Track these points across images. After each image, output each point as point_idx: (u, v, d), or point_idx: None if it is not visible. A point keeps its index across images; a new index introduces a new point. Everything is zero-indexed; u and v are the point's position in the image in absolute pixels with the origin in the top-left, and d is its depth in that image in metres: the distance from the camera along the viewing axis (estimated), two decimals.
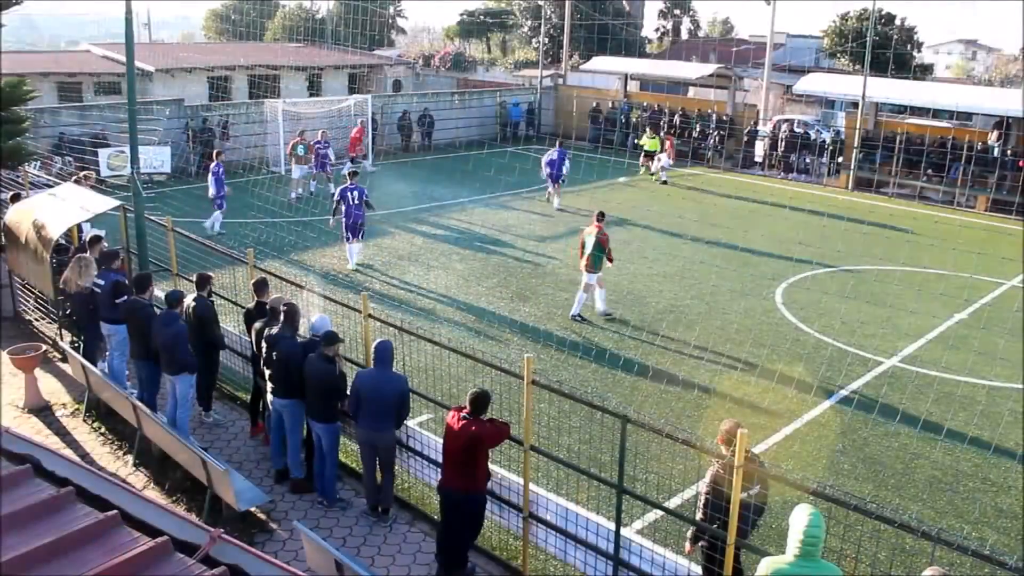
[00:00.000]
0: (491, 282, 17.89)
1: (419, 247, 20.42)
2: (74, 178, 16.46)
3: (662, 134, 32.43)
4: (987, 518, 9.89)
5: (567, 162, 26.05)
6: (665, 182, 30.28)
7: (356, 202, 18.27)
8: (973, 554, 5.70)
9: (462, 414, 8.02)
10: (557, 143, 26.70)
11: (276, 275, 11.79)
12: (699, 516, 7.37)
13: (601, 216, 16.06)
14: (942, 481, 10.63)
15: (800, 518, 5.75)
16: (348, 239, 18.57)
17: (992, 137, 29.54)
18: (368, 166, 30.31)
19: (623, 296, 17.19)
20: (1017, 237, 23.83)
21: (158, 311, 10.84)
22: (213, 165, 21.15)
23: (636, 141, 33.92)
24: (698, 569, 7.39)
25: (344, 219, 18.33)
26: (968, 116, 34.03)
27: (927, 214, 26.85)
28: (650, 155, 31.99)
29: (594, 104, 38.66)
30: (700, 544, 7.41)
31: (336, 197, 18.62)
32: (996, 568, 5.67)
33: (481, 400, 8.00)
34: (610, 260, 15.91)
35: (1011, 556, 5.79)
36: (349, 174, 18.97)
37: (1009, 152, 28.43)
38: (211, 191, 21.01)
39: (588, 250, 15.61)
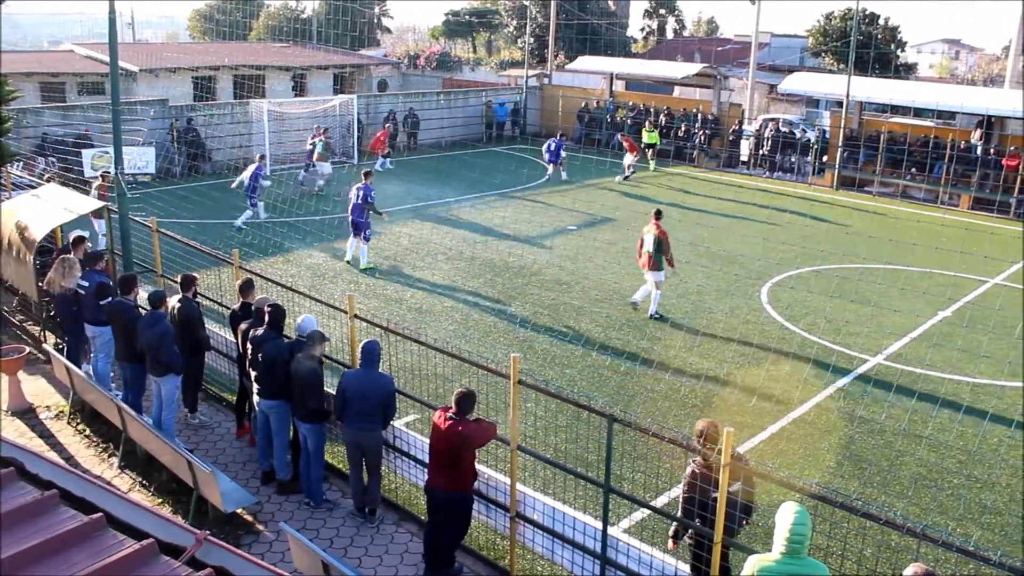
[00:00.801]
0: (477, 282, 17.88)
1: (405, 247, 20.39)
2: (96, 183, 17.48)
3: (619, 135, 32.28)
4: (971, 514, 9.96)
5: (563, 149, 29.86)
6: (627, 178, 29.94)
7: (359, 201, 18.50)
8: (958, 550, 5.74)
9: (448, 414, 8.01)
10: (558, 135, 30.94)
11: (262, 276, 11.75)
12: (680, 513, 7.41)
13: (659, 215, 16.22)
14: (927, 478, 10.69)
15: (786, 516, 5.77)
16: (351, 234, 18.92)
17: (975, 136, 29.73)
18: (379, 166, 30.38)
19: (609, 295, 17.23)
20: (999, 235, 24.00)
21: (143, 312, 10.78)
22: (255, 166, 21.83)
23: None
24: (685, 567, 7.42)
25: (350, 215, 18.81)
26: (951, 115, 34.24)
27: (911, 212, 27.00)
28: (651, 146, 33.13)
29: (583, 104, 38.71)
30: (688, 542, 7.44)
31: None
32: (980, 564, 5.71)
33: (467, 399, 8.00)
34: (670, 264, 15.97)
35: (995, 552, 5.84)
36: (364, 174, 19.29)
37: (991, 151, 28.61)
38: (244, 186, 21.82)
39: (648, 249, 15.80)
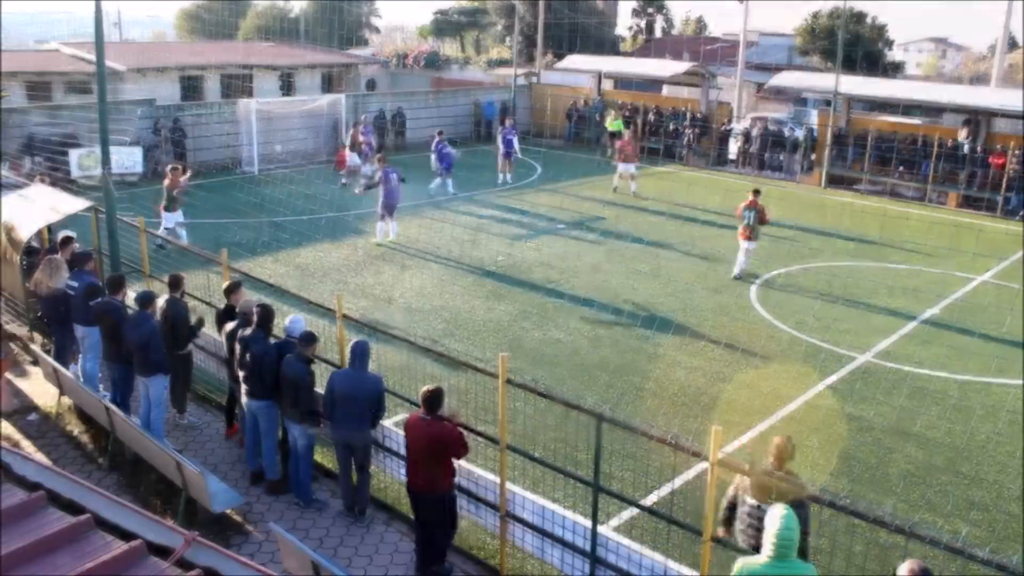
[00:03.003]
0: (466, 281, 17.87)
1: (393, 246, 20.36)
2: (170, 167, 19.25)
3: (624, 130, 30.50)
4: (959, 511, 10.01)
5: (516, 139, 28.90)
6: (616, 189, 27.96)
7: (394, 185, 20.11)
8: (946, 547, 5.76)
9: (420, 415, 8.01)
10: (504, 122, 30.17)
11: (250, 276, 11.71)
12: (721, 532, 7.40)
13: (757, 192, 18.42)
14: (915, 475, 10.74)
15: (773, 520, 5.79)
16: (383, 216, 20.38)
17: (961, 134, 29.86)
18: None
19: (598, 294, 17.23)
20: (987, 233, 24.11)
21: (131, 313, 10.74)
22: (435, 142, 25.85)
23: (604, 124, 34.29)
24: (674, 565, 7.40)
25: (384, 199, 20.13)
26: (938, 113, 34.36)
27: (899, 210, 27.09)
28: (614, 135, 32.43)
29: (572, 102, 38.70)
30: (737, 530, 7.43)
31: (379, 177, 20.36)
32: (968, 560, 5.74)
33: (434, 398, 7.97)
34: (764, 223, 18.42)
35: (983, 548, 5.86)
36: (378, 160, 21.36)
37: (978, 149, 28.75)
38: (435, 164, 25.71)
39: (749, 222, 18.10)
